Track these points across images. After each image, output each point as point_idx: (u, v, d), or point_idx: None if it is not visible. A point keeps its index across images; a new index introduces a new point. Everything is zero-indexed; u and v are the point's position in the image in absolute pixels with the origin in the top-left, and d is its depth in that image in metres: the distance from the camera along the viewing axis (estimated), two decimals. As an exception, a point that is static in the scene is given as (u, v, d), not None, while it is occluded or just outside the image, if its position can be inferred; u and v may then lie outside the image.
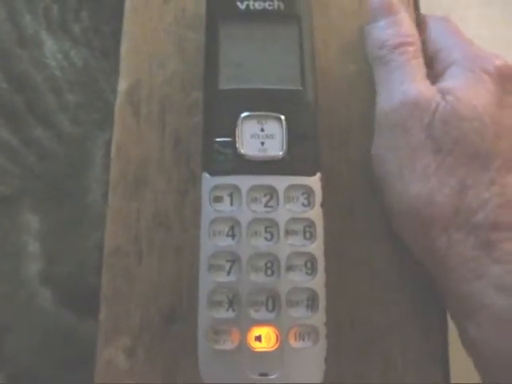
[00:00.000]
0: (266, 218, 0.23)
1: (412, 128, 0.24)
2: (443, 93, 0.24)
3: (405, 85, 0.25)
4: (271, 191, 0.23)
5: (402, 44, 0.26)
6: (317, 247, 0.23)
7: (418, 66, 0.26)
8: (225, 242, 0.23)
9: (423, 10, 0.31)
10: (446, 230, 0.23)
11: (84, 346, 0.31)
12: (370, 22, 0.28)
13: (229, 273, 0.23)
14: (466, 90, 0.24)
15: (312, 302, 0.23)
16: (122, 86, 0.28)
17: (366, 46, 0.28)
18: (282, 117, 0.24)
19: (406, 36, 0.26)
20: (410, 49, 0.26)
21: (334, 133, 0.27)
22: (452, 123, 0.23)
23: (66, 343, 0.32)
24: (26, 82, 0.33)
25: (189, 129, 0.27)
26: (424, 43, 0.27)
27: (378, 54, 0.26)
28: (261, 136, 0.24)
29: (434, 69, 0.27)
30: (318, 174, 0.24)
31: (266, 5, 0.25)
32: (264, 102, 0.24)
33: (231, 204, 0.23)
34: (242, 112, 0.24)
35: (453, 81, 0.25)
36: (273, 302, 0.23)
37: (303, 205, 0.23)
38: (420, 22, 0.29)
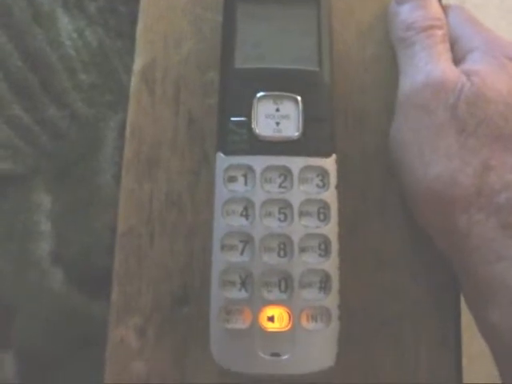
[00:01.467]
0: (280, 199, 0.23)
1: (436, 108, 0.24)
2: (468, 74, 0.24)
3: (429, 65, 0.24)
4: (286, 172, 0.23)
5: (431, 27, 0.26)
6: (330, 229, 0.23)
7: (444, 50, 0.25)
8: (238, 222, 0.23)
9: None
10: (467, 210, 0.23)
11: (94, 326, 0.31)
12: (396, 3, 0.27)
13: (242, 253, 0.23)
14: (490, 74, 0.24)
15: (325, 283, 0.23)
16: (138, 64, 0.28)
17: (390, 26, 0.27)
18: (298, 97, 0.24)
19: (435, 19, 0.26)
20: (439, 32, 0.26)
21: (349, 116, 0.27)
22: (477, 104, 0.23)
23: (76, 323, 0.32)
24: (40, 60, 0.33)
25: (203, 109, 0.27)
26: None
27: (404, 35, 0.26)
28: (276, 116, 0.24)
29: (453, 54, 0.26)
30: (334, 156, 0.24)
31: (285, -16, 0.25)
32: (280, 82, 0.24)
33: (245, 184, 0.23)
34: (258, 92, 0.24)
35: (477, 64, 0.25)
36: (285, 283, 0.23)
37: (318, 186, 0.23)
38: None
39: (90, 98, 0.34)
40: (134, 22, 0.29)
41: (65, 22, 0.34)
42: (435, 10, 0.27)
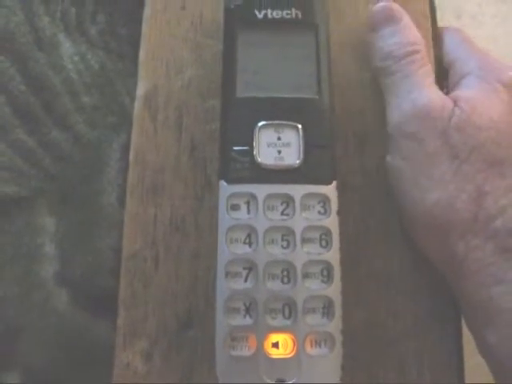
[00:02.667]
0: (283, 226, 0.23)
1: (426, 136, 0.24)
2: (457, 100, 0.24)
3: (413, 94, 0.25)
4: (288, 199, 0.24)
5: (409, 53, 0.25)
6: (333, 255, 0.23)
7: (425, 74, 0.25)
8: (242, 250, 0.23)
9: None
10: (464, 236, 0.23)
11: (99, 346, 0.32)
12: (371, 30, 0.27)
13: (246, 280, 0.23)
14: (482, 100, 0.24)
15: (328, 309, 0.23)
16: (140, 91, 0.28)
17: (369, 54, 0.27)
18: (299, 125, 0.24)
19: (412, 44, 0.26)
20: (417, 57, 0.25)
21: (349, 139, 0.28)
22: (468, 132, 0.24)
23: (80, 344, 0.32)
24: (43, 84, 0.34)
25: (205, 135, 0.27)
26: (439, 53, 0.27)
27: (383, 65, 0.26)
28: (278, 144, 0.24)
29: (449, 78, 0.27)
30: (334, 183, 0.24)
31: (284, 13, 0.25)
32: (281, 110, 0.24)
33: (248, 212, 0.24)
34: (260, 121, 0.24)
35: (468, 90, 0.25)
36: (289, 309, 0.23)
37: (319, 213, 0.24)
38: (437, 35, 0.28)
39: (93, 120, 0.34)
40: (134, 43, 0.30)
41: (66, 46, 0.34)
42: (411, 33, 0.26)
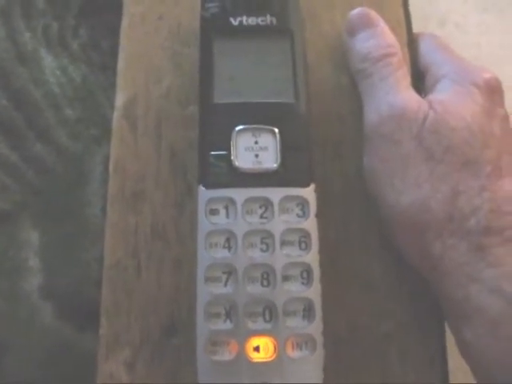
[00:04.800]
0: (262, 230, 0.23)
1: (401, 138, 0.24)
2: (431, 102, 0.25)
3: (390, 96, 0.25)
4: (266, 203, 0.24)
5: (385, 56, 0.26)
6: (312, 257, 0.23)
7: (401, 77, 0.26)
8: (221, 254, 0.23)
9: (419, 17, 0.31)
10: (440, 235, 0.23)
11: (85, 359, 0.31)
12: (349, 35, 0.28)
13: (225, 284, 0.23)
14: (455, 102, 0.25)
15: (308, 311, 0.23)
16: (119, 100, 0.28)
17: (348, 59, 0.28)
18: (276, 129, 0.24)
19: (388, 47, 0.26)
20: (394, 59, 0.26)
21: (327, 144, 0.28)
22: (442, 133, 0.24)
23: (66, 357, 0.32)
24: (25, 98, 0.34)
25: (185, 142, 0.28)
26: (415, 59, 0.28)
27: (361, 67, 0.27)
28: (255, 148, 0.24)
29: (424, 83, 0.27)
30: (312, 185, 0.24)
31: (259, 20, 0.26)
32: (258, 115, 0.25)
33: (227, 216, 0.24)
34: (237, 125, 0.24)
35: (442, 93, 0.25)
36: (270, 312, 0.23)
37: (298, 216, 0.24)
38: (412, 41, 0.29)
39: (76, 133, 0.34)
40: (116, 55, 0.30)
41: (48, 61, 0.34)
42: (387, 37, 0.27)
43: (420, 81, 0.28)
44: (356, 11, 0.28)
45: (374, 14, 0.28)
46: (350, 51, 0.28)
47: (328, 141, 0.28)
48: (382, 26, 0.27)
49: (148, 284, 0.26)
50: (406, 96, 0.25)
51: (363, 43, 0.27)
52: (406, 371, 0.26)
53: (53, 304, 0.32)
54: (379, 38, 0.27)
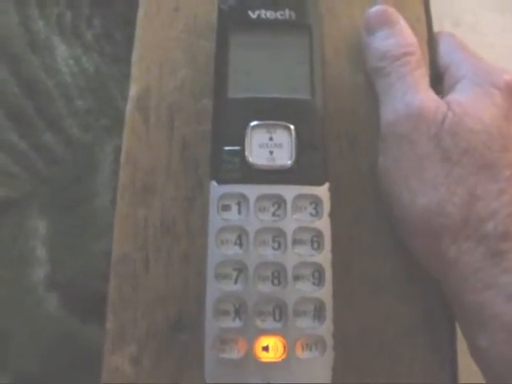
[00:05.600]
0: (274, 228, 0.23)
1: (418, 139, 0.24)
2: (450, 103, 0.24)
3: (408, 96, 0.25)
4: (279, 200, 0.23)
5: (404, 54, 0.26)
6: (324, 257, 0.23)
7: (420, 76, 0.25)
8: (232, 251, 0.23)
9: (433, 17, 0.30)
10: (455, 239, 0.23)
11: (89, 349, 0.31)
12: (367, 32, 0.27)
13: (236, 282, 0.23)
14: (474, 104, 0.24)
15: (319, 312, 0.23)
16: (133, 91, 0.28)
17: (364, 56, 0.27)
18: (291, 126, 0.24)
19: (407, 46, 0.26)
20: (413, 59, 0.26)
21: (342, 142, 0.27)
22: (460, 134, 0.23)
23: (71, 347, 0.32)
24: (36, 87, 0.34)
25: (197, 136, 0.27)
26: (434, 58, 0.27)
27: (379, 65, 0.26)
28: (269, 145, 0.24)
29: (443, 83, 0.27)
30: (327, 184, 0.24)
31: (278, 14, 0.25)
32: (273, 111, 0.24)
33: (239, 213, 0.23)
34: (251, 121, 0.24)
35: (461, 94, 0.25)
36: (280, 311, 0.23)
37: (311, 214, 0.23)
38: (432, 39, 0.28)
39: (86, 123, 0.34)
40: (129, 47, 0.30)
41: (61, 49, 0.34)
42: (406, 36, 0.26)
43: (439, 81, 0.27)
44: (375, 9, 0.27)
45: (393, 11, 0.27)
46: (368, 49, 0.27)
47: (342, 138, 0.27)
48: (402, 25, 0.27)
49: (156, 278, 0.26)
50: (423, 96, 0.25)
51: (382, 41, 0.26)
52: (415, 374, 0.25)
53: (58, 295, 0.32)
54: (398, 37, 0.26)
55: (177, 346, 0.25)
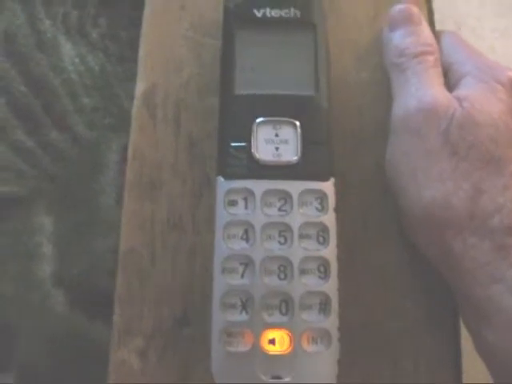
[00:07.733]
0: (280, 222, 0.23)
1: (429, 133, 0.24)
2: (459, 99, 0.25)
3: (421, 91, 0.25)
4: (285, 196, 0.24)
5: (423, 53, 0.26)
6: (330, 251, 0.23)
7: (435, 75, 0.26)
8: (239, 245, 0.23)
9: (435, 20, 0.31)
10: (461, 233, 0.23)
11: (95, 346, 0.31)
12: (389, 29, 0.28)
13: (242, 276, 0.23)
14: (481, 98, 0.24)
15: (325, 305, 0.23)
16: (139, 89, 0.28)
17: (384, 52, 0.28)
18: (297, 122, 0.24)
19: (426, 45, 0.26)
20: (430, 58, 0.26)
21: (347, 138, 0.28)
22: (468, 129, 0.24)
23: (77, 344, 0.32)
24: (43, 85, 0.34)
25: (204, 133, 0.27)
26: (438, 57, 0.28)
27: (397, 61, 0.27)
28: (275, 141, 0.24)
29: (447, 81, 0.27)
30: (332, 179, 0.24)
31: (283, 13, 0.26)
32: (279, 107, 0.24)
33: (245, 208, 0.24)
34: (258, 117, 0.24)
35: (467, 90, 0.25)
36: (286, 305, 0.23)
37: (317, 209, 0.24)
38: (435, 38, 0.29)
39: (92, 121, 0.34)
40: (134, 47, 0.30)
41: (67, 48, 0.34)
42: (426, 35, 0.27)
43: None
44: (399, 6, 0.28)
45: (417, 11, 0.27)
46: (388, 45, 0.28)
47: (347, 134, 0.28)
48: (423, 25, 0.27)
49: (162, 273, 0.26)
50: (436, 92, 0.25)
51: (402, 39, 0.27)
52: (418, 370, 0.25)
53: (64, 292, 0.32)
54: (419, 36, 0.27)
55: (183, 340, 0.26)
